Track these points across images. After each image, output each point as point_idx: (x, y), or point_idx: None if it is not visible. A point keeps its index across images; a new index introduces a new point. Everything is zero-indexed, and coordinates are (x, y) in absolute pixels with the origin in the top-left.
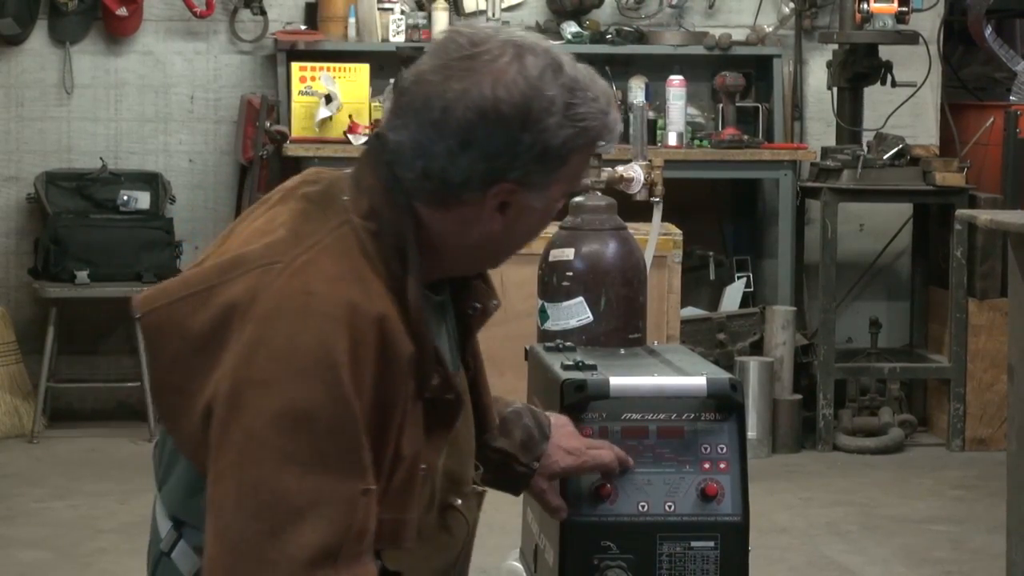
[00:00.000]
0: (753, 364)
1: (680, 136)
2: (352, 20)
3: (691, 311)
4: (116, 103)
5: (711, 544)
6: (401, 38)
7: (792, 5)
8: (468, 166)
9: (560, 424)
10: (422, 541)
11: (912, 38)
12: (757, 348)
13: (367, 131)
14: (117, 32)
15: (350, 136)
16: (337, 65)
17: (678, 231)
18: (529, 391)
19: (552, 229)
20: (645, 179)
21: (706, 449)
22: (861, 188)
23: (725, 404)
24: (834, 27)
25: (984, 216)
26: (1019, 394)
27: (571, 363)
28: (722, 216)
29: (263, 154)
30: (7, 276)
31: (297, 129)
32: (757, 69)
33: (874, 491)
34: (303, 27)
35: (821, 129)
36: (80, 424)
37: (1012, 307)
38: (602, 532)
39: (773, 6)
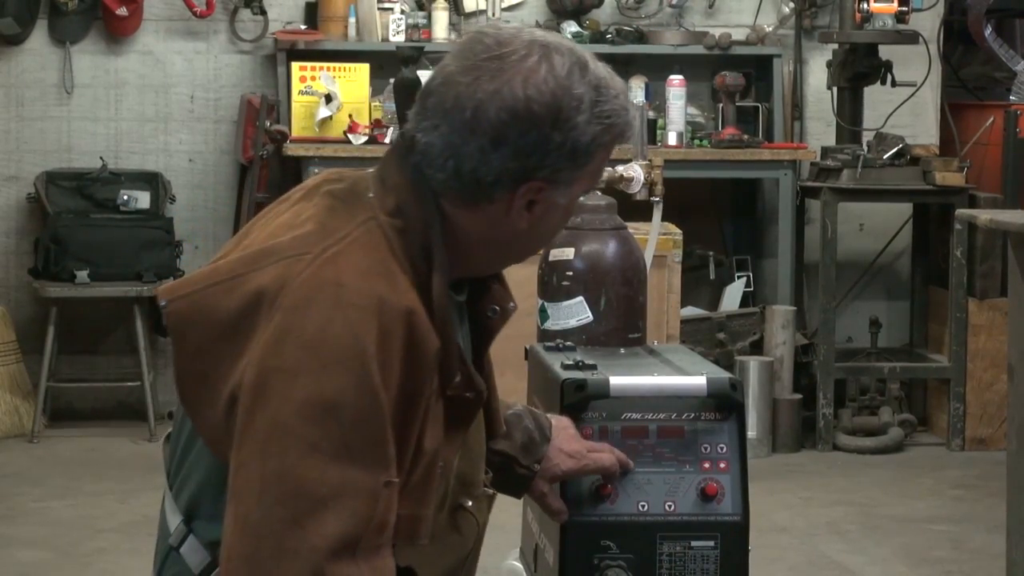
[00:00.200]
0: (753, 364)
1: (680, 136)
2: (352, 20)
3: (691, 311)
4: (116, 103)
5: (711, 544)
6: (401, 38)
7: (792, 5)
8: (500, 165)
9: (561, 427)
10: (433, 540)
11: (912, 38)
12: (757, 348)
13: (367, 131)
14: (117, 32)
15: (350, 136)
16: (337, 65)
17: (678, 231)
18: (529, 391)
19: None
20: (645, 179)
21: (706, 449)
22: (861, 188)
23: (725, 404)
24: (834, 27)
25: (984, 216)
26: (1019, 394)
27: (571, 363)
28: (722, 216)
29: (263, 154)
30: (7, 276)
31: (297, 129)
32: (757, 69)
33: (874, 491)
34: (303, 27)
35: (821, 129)
36: (80, 424)
37: (1012, 307)
38: (602, 532)
39: (773, 6)
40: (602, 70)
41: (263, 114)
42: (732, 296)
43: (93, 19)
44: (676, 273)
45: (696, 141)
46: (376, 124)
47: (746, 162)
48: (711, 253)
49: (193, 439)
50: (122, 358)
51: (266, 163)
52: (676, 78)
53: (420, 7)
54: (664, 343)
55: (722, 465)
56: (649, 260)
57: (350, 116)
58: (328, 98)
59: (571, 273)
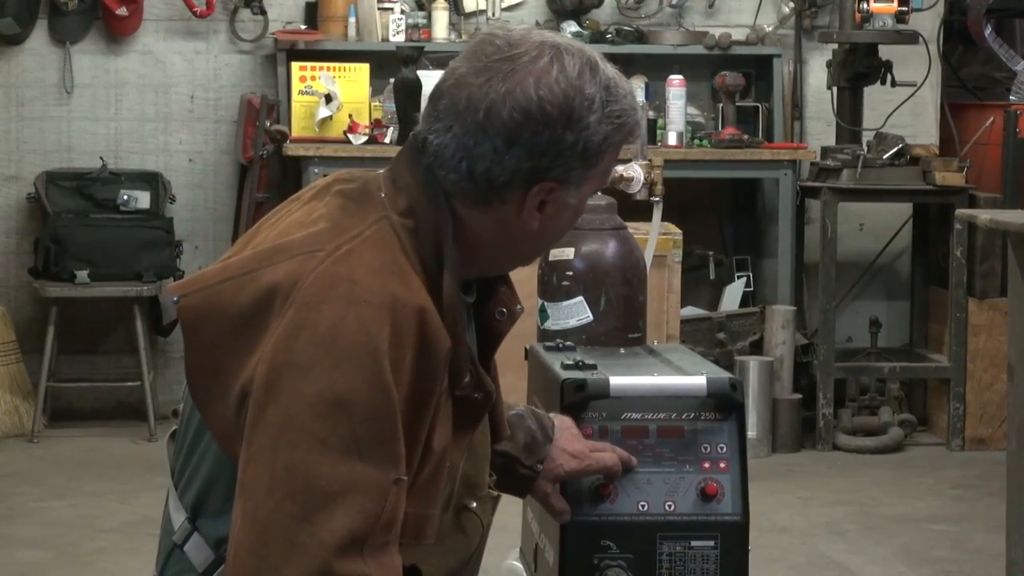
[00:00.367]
0: (753, 364)
1: (680, 136)
2: (352, 20)
3: (691, 311)
4: (116, 103)
5: (711, 543)
6: (401, 38)
7: (792, 5)
8: (513, 165)
9: (564, 427)
10: (438, 540)
11: (912, 38)
12: (757, 348)
13: (367, 130)
14: (117, 32)
15: (350, 136)
16: (337, 65)
17: (678, 231)
18: (529, 391)
19: None
20: (645, 179)
21: (706, 448)
22: (861, 188)
23: (725, 404)
24: (834, 27)
25: (984, 216)
26: (1019, 394)
27: (571, 362)
28: (722, 216)
29: (263, 153)
30: (7, 276)
31: (297, 129)
32: (757, 69)
33: (874, 490)
34: (303, 27)
35: (821, 129)
36: (80, 423)
37: (1012, 307)
38: (602, 531)
39: (773, 6)
40: (611, 70)
41: (263, 114)
42: (732, 296)
43: (93, 19)
44: (676, 273)
45: (696, 141)
46: (376, 124)
47: (746, 162)
48: (711, 253)
49: (199, 436)
50: (122, 358)
51: (266, 163)
52: (676, 78)
53: (420, 7)
54: (664, 343)
55: (722, 465)
56: (649, 260)
57: (350, 116)
58: (328, 98)
59: (571, 273)
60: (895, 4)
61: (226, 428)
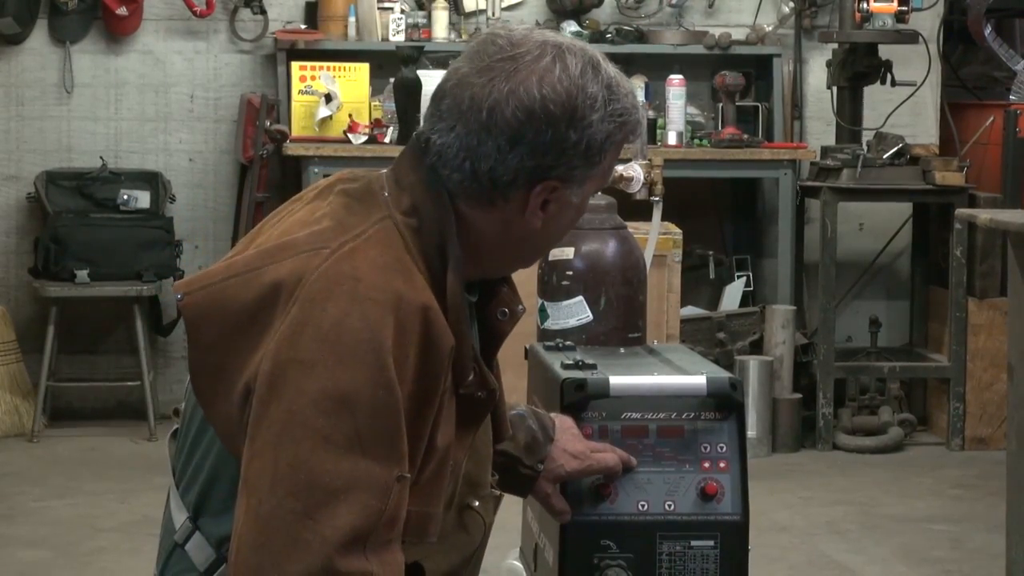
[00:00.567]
0: (753, 363)
1: (680, 135)
2: (352, 19)
3: (691, 310)
4: (116, 102)
5: (711, 543)
6: (401, 37)
7: (792, 4)
8: (516, 164)
9: (564, 427)
10: (441, 538)
11: (912, 37)
12: (757, 347)
13: (367, 130)
14: (117, 31)
15: (350, 135)
16: (337, 64)
17: (678, 230)
18: (529, 390)
19: None
20: (645, 178)
21: (706, 448)
22: (861, 187)
23: (725, 403)
24: (834, 26)
25: (984, 215)
26: (1019, 393)
27: (571, 362)
28: (722, 215)
29: (263, 153)
30: (7, 275)
31: (297, 128)
32: (757, 68)
33: (874, 490)
34: (303, 26)
35: (821, 128)
36: (80, 423)
37: (1012, 306)
38: (602, 531)
39: (773, 5)
40: (612, 69)
41: (263, 114)
42: (732, 296)
43: (93, 19)
44: (676, 273)
45: (696, 141)
46: (376, 124)
47: (746, 162)
48: (711, 253)
49: (201, 435)
50: (122, 358)
51: (266, 163)
52: (676, 78)
53: (420, 7)
54: (664, 343)
55: (722, 465)
56: (649, 260)
57: (350, 116)
58: (328, 98)
59: (571, 272)
60: (895, 4)
61: (229, 425)
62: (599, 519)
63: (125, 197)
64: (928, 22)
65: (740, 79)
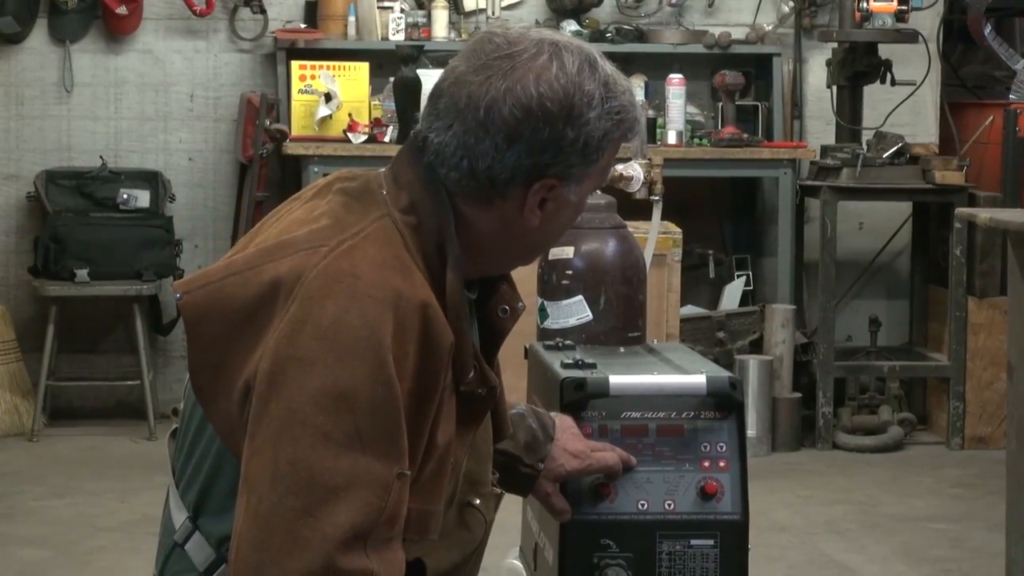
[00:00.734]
0: (753, 362)
1: (680, 135)
2: (352, 19)
3: (691, 309)
4: (116, 101)
5: (711, 542)
6: (401, 36)
7: (792, 3)
8: (514, 162)
9: (564, 426)
10: (442, 536)
11: (912, 36)
12: (757, 346)
13: (366, 129)
14: (117, 30)
15: (350, 134)
16: (337, 63)
17: (678, 229)
18: (528, 389)
19: None
20: (645, 178)
21: (706, 447)
22: (861, 186)
23: (725, 402)
24: (833, 25)
25: (983, 214)
26: (1018, 392)
27: (571, 361)
28: (722, 215)
29: (263, 152)
30: (7, 274)
31: (297, 127)
32: (757, 68)
33: (873, 489)
34: (303, 25)
35: (821, 127)
36: (80, 422)
37: (1011, 305)
38: (602, 530)
39: (772, 5)
40: (610, 67)
41: (263, 113)
42: (732, 295)
43: (93, 18)
44: (676, 272)
45: (696, 140)
46: (376, 123)
47: (746, 161)
48: (711, 252)
49: (200, 434)
50: (122, 357)
51: (266, 162)
52: (676, 77)
53: (420, 6)
54: (664, 342)
55: (722, 464)
56: (649, 259)
57: (350, 115)
58: (328, 97)
59: (571, 272)
60: (895, 3)
61: (229, 424)
62: (599, 518)
63: (125, 196)
64: (928, 21)
65: (740, 78)
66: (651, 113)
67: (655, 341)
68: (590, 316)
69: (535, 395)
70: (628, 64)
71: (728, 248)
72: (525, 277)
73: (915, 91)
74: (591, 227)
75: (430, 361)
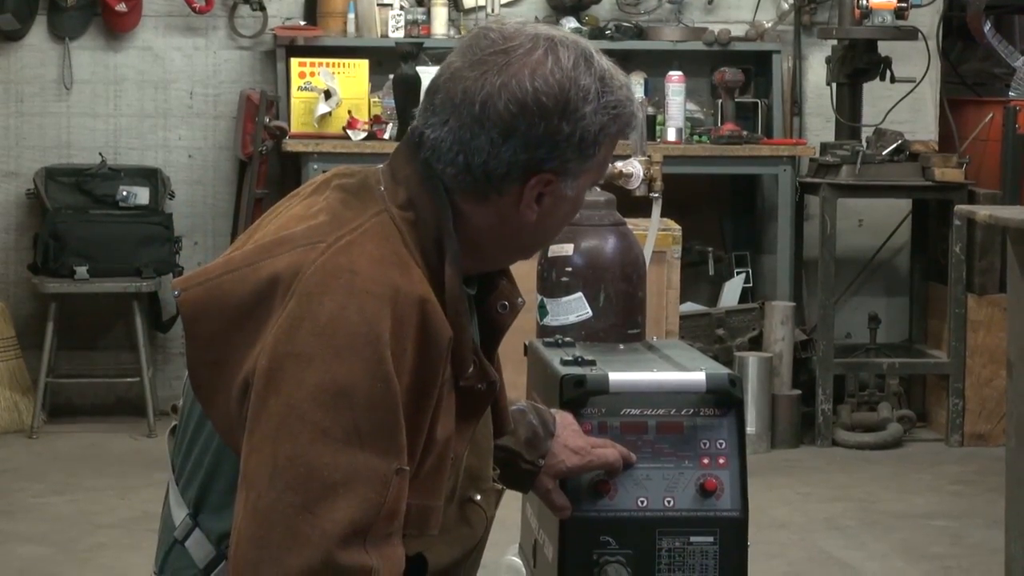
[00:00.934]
0: (752, 359)
1: (679, 132)
2: (351, 16)
3: (690, 307)
4: (115, 99)
5: (710, 539)
6: (400, 34)
7: (791, 1)
8: (510, 157)
9: (565, 423)
10: (443, 531)
11: (911, 34)
12: (756, 343)
13: (366, 127)
14: (116, 28)
15: (349, 132)
16: (336, 61)
17: (677, 227)
18: (528, 386)
19: None
20: (644, 175)
21: (705, 444)
22: (860, 184)
23: (724, 399)
24: (833, 23)
25: (983, 212)
26: (1018, 390)
27: (570, 358)
28: (721, 212)
29: (262, 149)
30: (6, 271)
31: (296, 125)
32: (756, 65)
33: (873, 486)
34: (302, 23)
35: (820, 125)
36: (79, 419)
37: (1011, 303)
38: (601, 527)
39: (772, 2)
40: (606, 62)
41: (262, 110)
42: (731, 292)
43: (92, 15)
44: (675, 269)
45: (695, 137)
46: (375, 120)
47: (745, 158)
48: (710, 249)
49: (199, 431)
50: (121, 354)
51: (265, 159)
52: (675, 74)
53: (419, 3)
54: (663, 339)
55: (721, 461)
56: (648, 256)
57: (349, 112)
58: (327, 94)
59: (570, 269)
60: (894, 0)
61: (228, 421)
62: (598, 515)
63: (124, 193)
64: (927, 18)
65: (739, 75)
66: (651, 110)
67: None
68: (589, 313)
69: (535, 392)
70: (627, 61)
71: (728, 245)
72: (525, 274)
73: (915, 88)
74: (591, 224)
75: (428, 356)
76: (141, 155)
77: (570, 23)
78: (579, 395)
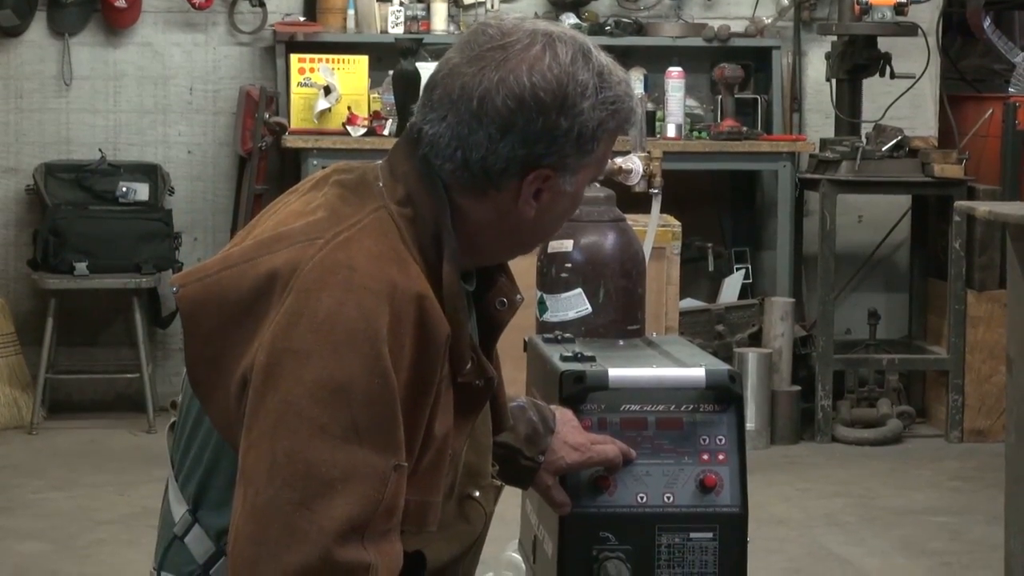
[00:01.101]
0: (752, 355)
1: (679, 128)
2: (351, 12)
3: (690, 302)
4: (115, 95)
5: (710, 535)
6: (400, 30)
7: None
8: (508, 153)
9: (564, 419)
10: (442, 528)
11: (911, 30)
12: (756, 339)
13: (366, 122)
14: (116, 23)
15: (349, 128)
16: (336, 57)
17: (677, 223)
18: (528, 382)
19: None
20: (644, 171)
21: (705, 440)
22: (860, 180)
23: (724, 395)
24: (833, 19)
25: (983, 207)
26: (1017, 385)
27: (570, 354)
28: (721, 208)
29: (262, 145)
30: (6, 267)
31: (296, 120)
32: (756, 61)
33: (872, 482)
34: (302, 18)
35: (820, 121)
36: (79, 415)
37: (1010, 299)
38: (601, 523)
39: None
40: (604, 58)
41: (262, 106)
42: (731, 288)
43: (92, 11)
44: (675, 265)
45: (695, 133)
46: (375, 116)
47: (745, 154)
48: (710, 245)
49: (198, 427)
50: (121, 350)
51: (265, 155)
52: (675, 70)
53: None
54: (663, 335)
55: (721, 457)
56: (648, 252)
57: (349, 108)
58: (327, 90)
59: (570, 265)
60: None
61: (227, 417)
62: (598, 511)
63: (124, 189)
64: (927, 14)
65: (739, 71)
66: (650, 106)
67: (654, 334)
68: (589, 309)
69: (534, 388)
70: (627, 57)
71: (727, 241)
72: (524, 270)
73: (914, 84)
74: (590, 220)
75: (426, 353)
76: (141, 151)
77: (569, 19)
78: (579, 391)
